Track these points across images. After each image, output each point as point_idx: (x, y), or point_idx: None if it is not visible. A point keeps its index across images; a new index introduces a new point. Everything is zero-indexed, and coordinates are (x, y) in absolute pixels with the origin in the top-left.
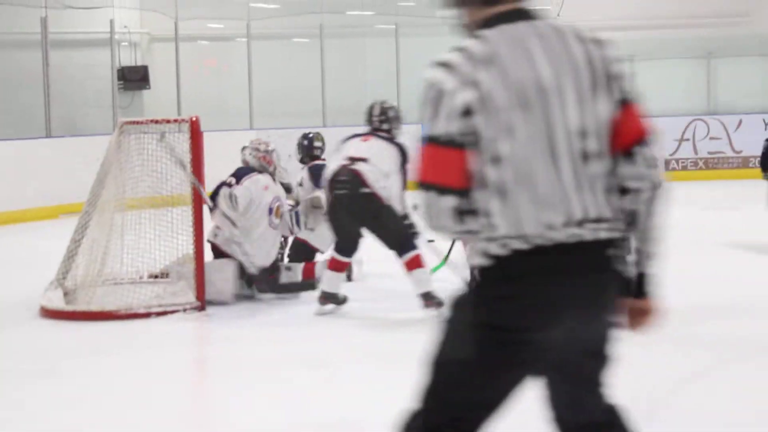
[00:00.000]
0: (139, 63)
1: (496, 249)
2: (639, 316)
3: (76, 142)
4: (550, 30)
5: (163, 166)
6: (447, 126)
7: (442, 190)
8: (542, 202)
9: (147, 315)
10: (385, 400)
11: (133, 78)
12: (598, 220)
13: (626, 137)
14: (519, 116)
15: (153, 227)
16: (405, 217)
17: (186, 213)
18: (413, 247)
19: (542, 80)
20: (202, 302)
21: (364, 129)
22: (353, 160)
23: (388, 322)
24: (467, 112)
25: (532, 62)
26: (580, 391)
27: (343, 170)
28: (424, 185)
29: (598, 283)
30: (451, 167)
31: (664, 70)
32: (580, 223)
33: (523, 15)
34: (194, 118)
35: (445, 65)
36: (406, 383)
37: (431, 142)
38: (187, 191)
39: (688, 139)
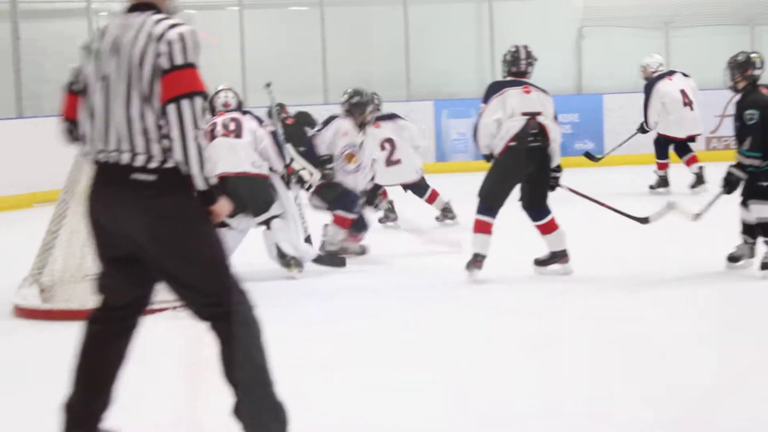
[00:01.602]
0: None
1: None
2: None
3: (51, 122)
4: (118, 29)
5: None
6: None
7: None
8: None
9: None
10: (393, 405)
11: None
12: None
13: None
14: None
15: None
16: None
17: None
18: (548, 211)
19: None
20: None
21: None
22: (532, 114)
23: (400, 323)
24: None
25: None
26: None
27: (532, 124)
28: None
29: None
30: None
31: (702, 39)
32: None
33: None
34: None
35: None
36: (414, 387)
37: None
38: None
39: (731, 115)
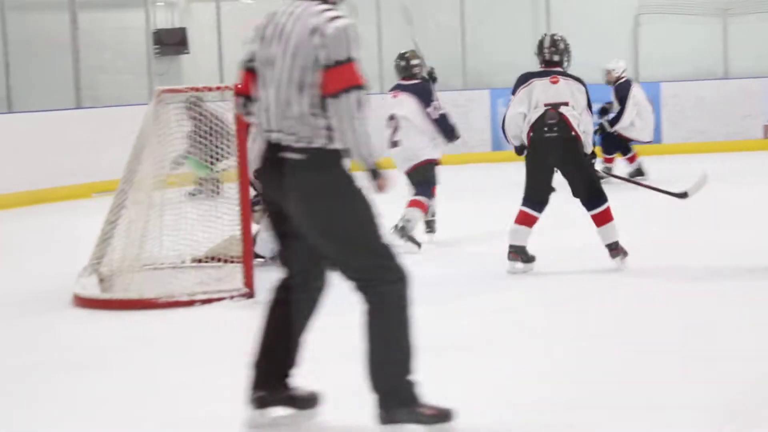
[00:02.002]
0: (177, 25)
1: None
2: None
3: (109, 113)
4: (284, 18)
5: (205, 138)
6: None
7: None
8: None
9: (190, 303)
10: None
11: (171, 42)
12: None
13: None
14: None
15: (195, 206)
16: (593, 156)
17: (231, 190)
18: (605, 199)
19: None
20: (251, 289)
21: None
22: (554, 105)
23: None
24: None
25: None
26: None
27: (551, 114)
28: None
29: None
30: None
31: (761, 26)
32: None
33: None
34: (239, 85)
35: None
36: (466, 374)
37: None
38: (232, 165)
39: None
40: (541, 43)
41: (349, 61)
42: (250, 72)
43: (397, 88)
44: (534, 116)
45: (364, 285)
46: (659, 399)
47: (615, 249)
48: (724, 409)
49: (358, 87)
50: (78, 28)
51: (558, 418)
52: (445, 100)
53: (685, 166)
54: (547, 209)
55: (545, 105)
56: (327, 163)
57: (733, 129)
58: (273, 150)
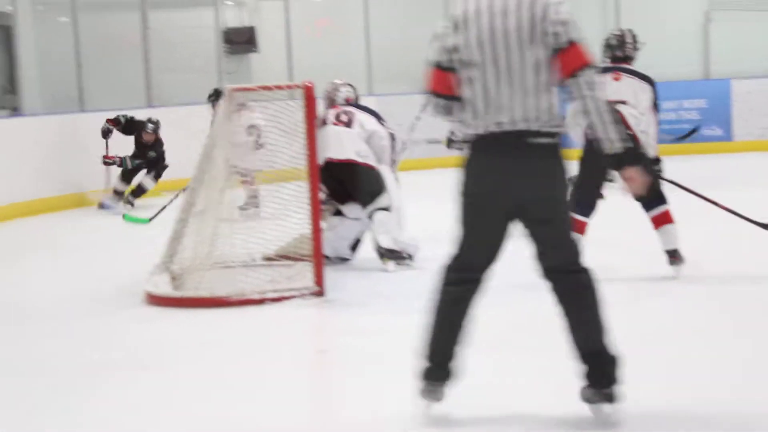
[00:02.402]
0: (246, 24)
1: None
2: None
3: (179, 112)
4: (499, 2)
5: (275, 137)
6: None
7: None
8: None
9: (261, 301)
10: (505, 391)
11: (240, 40)
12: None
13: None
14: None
15: (266, 205)
16: (657, 161)
17: (301, 189)
18: (663, 201)
19: (493, 37)
20: (321, 287)
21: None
22: (612, 102)
23: (523, 310)
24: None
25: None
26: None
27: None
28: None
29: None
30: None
31: None
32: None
33: None
34: (309, 84)
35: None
36: (523, 373)
37: (433, 66)
38: (302, 164)
39: None
40: (608, 39)
41: (580, 41)
42: (448, 70)
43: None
44: None
45: (571, 267)
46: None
47: (674, 256)
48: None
49: (593, 66)
50: (149, 28)
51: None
52: None
53: (757, 164)
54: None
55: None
56: (562, 145)
57: None
58: (506, 140)
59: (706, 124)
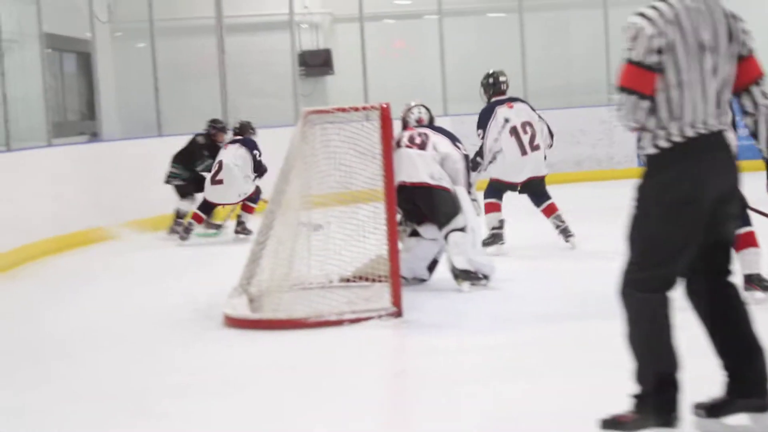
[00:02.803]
0: (321, 46)
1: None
2: None
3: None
4: (705, 6)
5: (351, 159)
6: (644, 56)
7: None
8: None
9: (339, 323)
10: (592, 413)
11: (315, 63)
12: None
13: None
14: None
15: (342, 226)
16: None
17: (377, 210)
18: (747, 222)
19: (703, 40)
20: (399, 308)
21: None
22: None
23: (603, 328)
24: (659, 51)
25: (697, 26)
26: None
27: None
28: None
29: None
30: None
31: None
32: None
33: None
34: (384, 105)
35: (644, 16)
36: (618, 394)
37: (631, 63)
38: (378, 186)
39: None
40: None
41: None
42: (651, 70)
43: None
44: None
45: (731, 271)
46: None
47: (752, 282)
48: None
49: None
50: (224, 52)
51: None
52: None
53: None
54: None
55: None
56: None
57: None
58: (715, 140)
59: None
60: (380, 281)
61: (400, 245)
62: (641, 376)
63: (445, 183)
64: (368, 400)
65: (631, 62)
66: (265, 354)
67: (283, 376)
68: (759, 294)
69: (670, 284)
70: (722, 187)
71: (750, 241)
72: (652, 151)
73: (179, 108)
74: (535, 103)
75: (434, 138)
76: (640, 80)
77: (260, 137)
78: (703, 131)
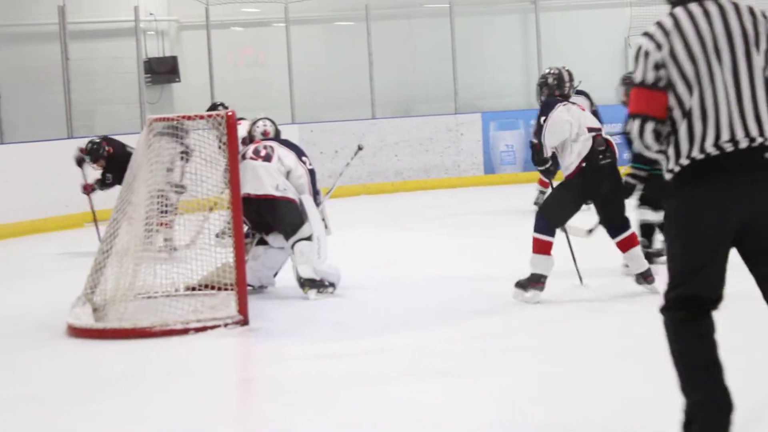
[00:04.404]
0: (168, 53)
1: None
2: None
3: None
4: (714, 8)
5: (197, 167)
6: (644, 76)
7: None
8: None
9: (185, 331)
10: (443, 417)
11: (162, 70)
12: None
13: None
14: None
15: (188, 234)
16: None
17: (224, 218)
18: (629, 225)
19: (707, 45)
20: (245, 316)
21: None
22: (596, 130)
23: (443, 334)
24: (658, 67)
25: (700, 33)
26: None
27: (601, 140)
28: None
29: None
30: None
31: None
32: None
33: None
34: (230, 113)
35: (646, 34)
36: (463, 398)
37: (635, 87)
38: (224, 194)
39: None
40: (560, 77)
41: None
42: (657, 89)
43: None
44: (585, 145)
45: None
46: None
47: (648, 276)
48: None
49: None
50: (69, 59)
51: None
52: (436, 124)
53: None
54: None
55: (589, 129)
56: None
57: None
58: (745, 157)
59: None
60: (226, 289)
61: (247, 255)
62: (683, 402)
63: (291, 194)
64: (215, 408)
65: (635, 86)
66: (111, 364)
67: (128, 386)
68: (649, 286)
69: (692, 305)
70: (746, 215)
71: (633, 241)
72: (674, 168)
73: (22, 115)
74: (381, 112)
75: (280, 151)
76: (646, 102)
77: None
78: (729, 148)
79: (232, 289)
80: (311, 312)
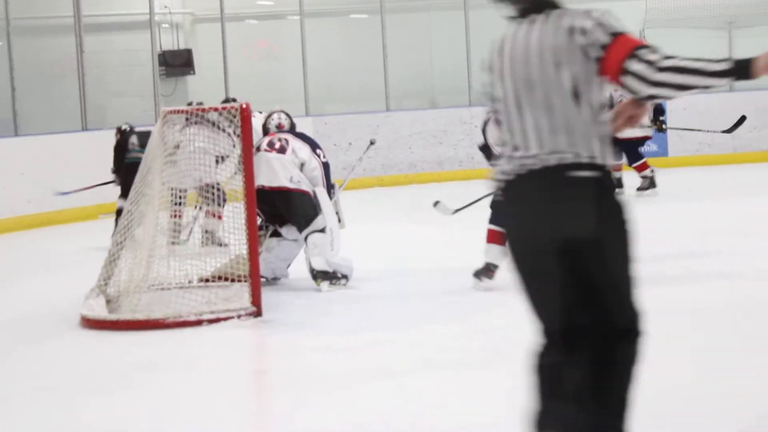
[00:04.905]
0: (182, 46)
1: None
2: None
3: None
4: (526, 25)
5: (210, 159)
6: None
7: None
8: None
9: (198, 323)
10: (456, 410)
11: (176, 63)
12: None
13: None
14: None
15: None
16: None
17: (238, 210)
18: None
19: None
20: (258, 307)
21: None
22: None
23: (456, 327)
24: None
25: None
26: None
27: None
28: None
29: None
30: None
31: (765, 38)
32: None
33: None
34: (244, 105)
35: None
36: (476, 391)
37: None
38: (238, 186)
39: None
40: None
41: (622, 32)
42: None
43: None
44: None
45: (626, 332)
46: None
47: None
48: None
49: (641, 47)
50: (84, 52)
51: None
52: (450, 116)
53: (693, 179)
54: None
55: None
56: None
57: (740, 142)
58: (535, 178)
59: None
60: (240, 281)
61: (261, 247)
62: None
63: (305, 186)
64: (228, 400)
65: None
66: (125, 356)
67: (142, 377)
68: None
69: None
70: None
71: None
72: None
73: (37, 108)
74: (395, 104)
75: (294, 143)
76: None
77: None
78: (521, 171)
79: (245, 281)
80: (324, 304)
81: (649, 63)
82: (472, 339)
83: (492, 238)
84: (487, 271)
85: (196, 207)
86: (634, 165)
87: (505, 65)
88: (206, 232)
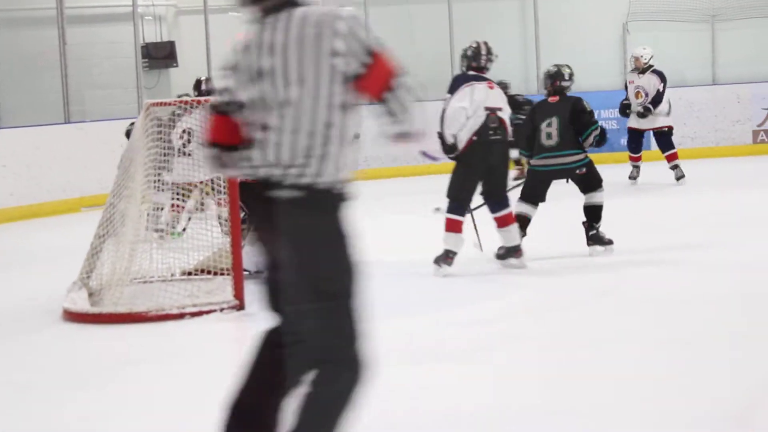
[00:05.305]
0: (165, 38)
1: None
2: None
3: (98, 127)
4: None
5: (194, 151)
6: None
7: None
8: None
9: (181, 316)
10: (434, 402)
11: (159, 55)
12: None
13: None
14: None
15: (184, 219)
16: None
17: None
18: (508, 204)
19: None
20: (241, 300)
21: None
22: (493, 109)
23: (432, 317)
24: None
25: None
26: None
27: (492, 118)
28: None
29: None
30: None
31: (748, 32)
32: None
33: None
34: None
35: None
36: (454, 384)
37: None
38: (221, 178)
39: None
40: (477, 50)
41: (380, 50)
42: (225, 115)
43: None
44: (476, 121)
45: (323, 360)
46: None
47: (518, 251)
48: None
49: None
50: (66, 44)
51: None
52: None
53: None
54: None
55: (486, 108)
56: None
57: (722, 135)
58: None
59: (624, 134)
60: (223, 274)
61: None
62: None
63: None
64: (209, 392)
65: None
66: (107, 349)
67: (124, 371)
68: (521, 260)
69: None
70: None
71: (511, 219)
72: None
73: (20, 100)
74: None
75: None
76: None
77: (103, 129)
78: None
79: (228, 274)
80: None
81: None
82: (460, 330)
83: (450, 226)
84: (445, 257)
85: (201, 198)
86: (667, 153)
87: (255, 66)
88: (225, 220)
